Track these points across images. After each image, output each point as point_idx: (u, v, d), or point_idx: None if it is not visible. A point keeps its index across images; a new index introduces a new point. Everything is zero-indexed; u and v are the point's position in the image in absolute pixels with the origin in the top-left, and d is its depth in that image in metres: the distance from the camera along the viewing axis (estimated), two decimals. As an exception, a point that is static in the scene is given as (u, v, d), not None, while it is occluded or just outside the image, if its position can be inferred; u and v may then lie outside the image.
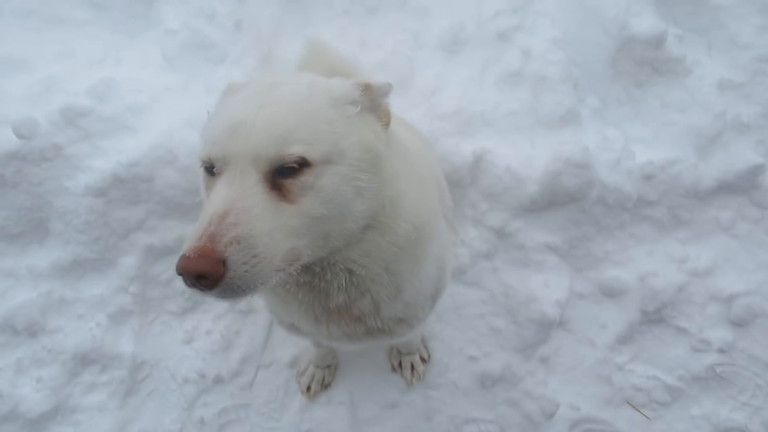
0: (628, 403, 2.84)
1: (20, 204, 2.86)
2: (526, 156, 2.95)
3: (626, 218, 3.04)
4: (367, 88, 1.46)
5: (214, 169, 1.34)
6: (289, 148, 1.28)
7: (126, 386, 2.81)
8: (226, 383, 2.85)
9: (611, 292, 2.97)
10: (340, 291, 1.56)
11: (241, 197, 1.25)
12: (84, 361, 2.80)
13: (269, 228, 1.25)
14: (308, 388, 2.78)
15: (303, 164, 1.30)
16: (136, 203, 2.87)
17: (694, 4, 3.47)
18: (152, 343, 2.92)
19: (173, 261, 2.94)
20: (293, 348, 2.91)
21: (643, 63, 3.27)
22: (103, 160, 2.83)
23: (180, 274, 1.19)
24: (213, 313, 2.97)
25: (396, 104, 1.62)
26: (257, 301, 2.86)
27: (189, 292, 2.90)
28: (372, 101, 1.47)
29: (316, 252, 1.39)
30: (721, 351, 2.92)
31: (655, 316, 2.97)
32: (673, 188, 3.06)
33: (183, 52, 3.18)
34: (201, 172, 1.44)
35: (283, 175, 1.30)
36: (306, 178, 1.30)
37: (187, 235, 1.25)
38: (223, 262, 1.18)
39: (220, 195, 1.26)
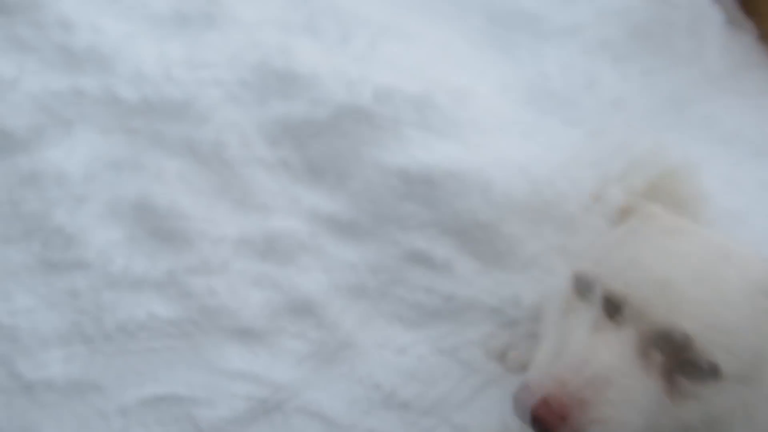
0: None
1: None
2: None
3: None
4: None
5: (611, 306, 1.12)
6: (708, 348, 1.02)
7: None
8: None
9: None
10: None
11: (630, 374, 1.02)
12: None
13: (639, 423, 1.03)
14: None
15: (712, 371, 1.04)
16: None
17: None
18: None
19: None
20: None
21: None
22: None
23: (518, 409, 1.01)
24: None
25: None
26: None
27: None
28: None
29: None
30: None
31: None
32: None
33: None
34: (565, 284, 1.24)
35: (681, 369, 1.05)
36: (708, 391, 1.04)
37: (546, 365, 1.06)
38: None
39: (601, 351, 1.03)
